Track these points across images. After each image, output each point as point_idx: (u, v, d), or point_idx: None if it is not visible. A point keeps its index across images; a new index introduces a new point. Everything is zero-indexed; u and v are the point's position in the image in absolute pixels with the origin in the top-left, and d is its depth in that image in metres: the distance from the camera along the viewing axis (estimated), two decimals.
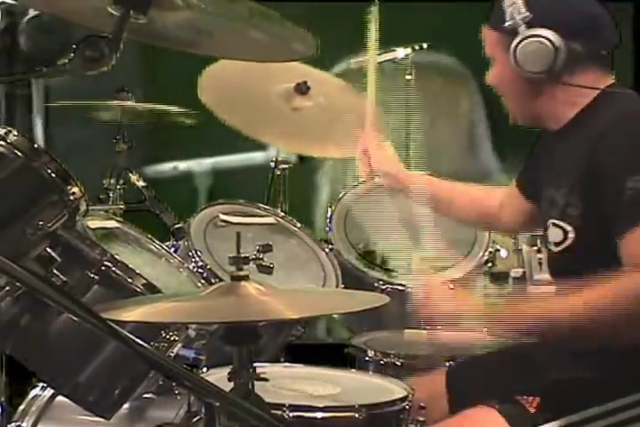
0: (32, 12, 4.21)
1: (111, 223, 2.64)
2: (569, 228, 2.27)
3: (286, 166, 3.65)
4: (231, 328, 1.77)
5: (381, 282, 3.17)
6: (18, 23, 4.29)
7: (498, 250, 3.35)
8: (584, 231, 2.25)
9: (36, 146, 2.05)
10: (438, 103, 4.82)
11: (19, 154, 2.01)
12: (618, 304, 2.11)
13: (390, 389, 2.24)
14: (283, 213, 3.22)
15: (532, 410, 2.22)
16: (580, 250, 2.27)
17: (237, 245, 1.83)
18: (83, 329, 1.58)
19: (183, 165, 4.97)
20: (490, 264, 3.31)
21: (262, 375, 1.76)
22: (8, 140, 2.02)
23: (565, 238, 2.28)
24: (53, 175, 2.02)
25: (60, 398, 2.40)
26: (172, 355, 2.22)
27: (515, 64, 2.32)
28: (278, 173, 3.65)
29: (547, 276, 2.29)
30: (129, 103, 3.82)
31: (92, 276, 2.08)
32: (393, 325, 2.94)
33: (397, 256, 3.07)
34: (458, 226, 2.98)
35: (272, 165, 3.67)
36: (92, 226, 2.43)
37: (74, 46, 1.76)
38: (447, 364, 2.64)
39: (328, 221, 3.34)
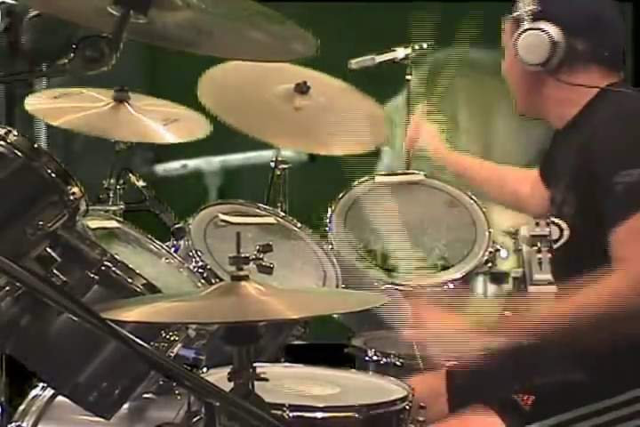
0: (33, 12, 4.21)
1: (111, 223, 2.64)
2: (564, 225, 2.29)
3: (286, 166, 3.64)
4: (231, 328, 1.77)
5: (381, 282, 3.17)
6: (19, 23, 4.28)
7: (498, 250, 3.33)
8: (578, 229, 2.26)
9: (35, 146, 2.05)
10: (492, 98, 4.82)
11: (19, 154, 2.01)
12: (604, 305, 2.11)
13: (390, 389, 2.24)
14: (283, 213, 3.22)
15: (528, 408, 2.23)
16: (574, 248, 2.28)
17: (237, 245, 1.83)
18: (83, 329, 1.58)
19: (192, 164, 4.99)
20: (490, 264, 3.31)
21: (262, 375, 1.76)
22: (8, 140, 2.02)
23: (561, 236, 2.29)
24: (53, 175, 2.02)
25: (60, 398, 2.40)
26: (172, 355, 2.22)
27: (515, 55, 2.35)
28: (278, 173, 3.65)
29: (547, 276, 2.30)
30: None
31: (91, 276, 2.08)
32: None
33: (397, 256, 3.07)
34: (458, 226, 2.98)
35: (272, 165, 3.67)
36: (92, 226, 2.43)
37: (74, 46, 1.76)
38: (447, 364, 2.63)
39: (328, 221, 3.33)
